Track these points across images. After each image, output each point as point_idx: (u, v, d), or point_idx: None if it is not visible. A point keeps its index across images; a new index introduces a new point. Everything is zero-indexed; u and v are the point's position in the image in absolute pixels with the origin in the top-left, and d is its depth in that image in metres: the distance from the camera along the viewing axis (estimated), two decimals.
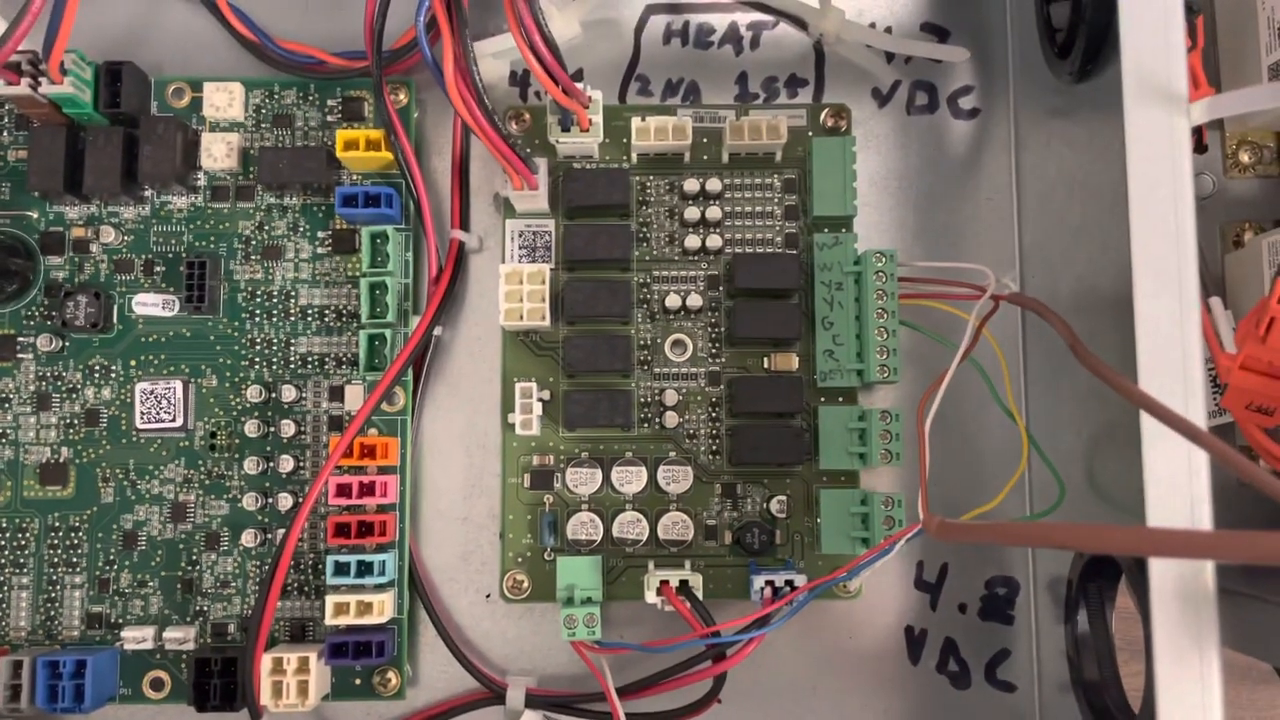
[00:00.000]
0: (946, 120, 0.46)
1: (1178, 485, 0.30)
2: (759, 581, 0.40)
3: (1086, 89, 0.39)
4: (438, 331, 0.44)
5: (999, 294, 0.39)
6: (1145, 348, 0.31)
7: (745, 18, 0.46)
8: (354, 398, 0.43)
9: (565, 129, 0.41)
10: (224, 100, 0.43)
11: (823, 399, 0.43)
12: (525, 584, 0.42)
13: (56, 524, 0.42)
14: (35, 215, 0.43)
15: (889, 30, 0.46)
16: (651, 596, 0.40)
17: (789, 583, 0.39)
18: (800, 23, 0.46)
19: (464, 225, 0.44)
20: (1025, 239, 0.45)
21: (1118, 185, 0.32)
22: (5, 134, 0.43)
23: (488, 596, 0.44)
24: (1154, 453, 0.30)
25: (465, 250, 0.44)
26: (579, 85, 0.40)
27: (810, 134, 0.44)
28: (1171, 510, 0.30)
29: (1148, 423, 0.30)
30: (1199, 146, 0.42)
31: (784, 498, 0.42)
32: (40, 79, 0.39)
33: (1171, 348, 0.31)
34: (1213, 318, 0.38)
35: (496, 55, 0.44)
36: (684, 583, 0.40)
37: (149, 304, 0.42)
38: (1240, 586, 0.37)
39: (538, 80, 0.38)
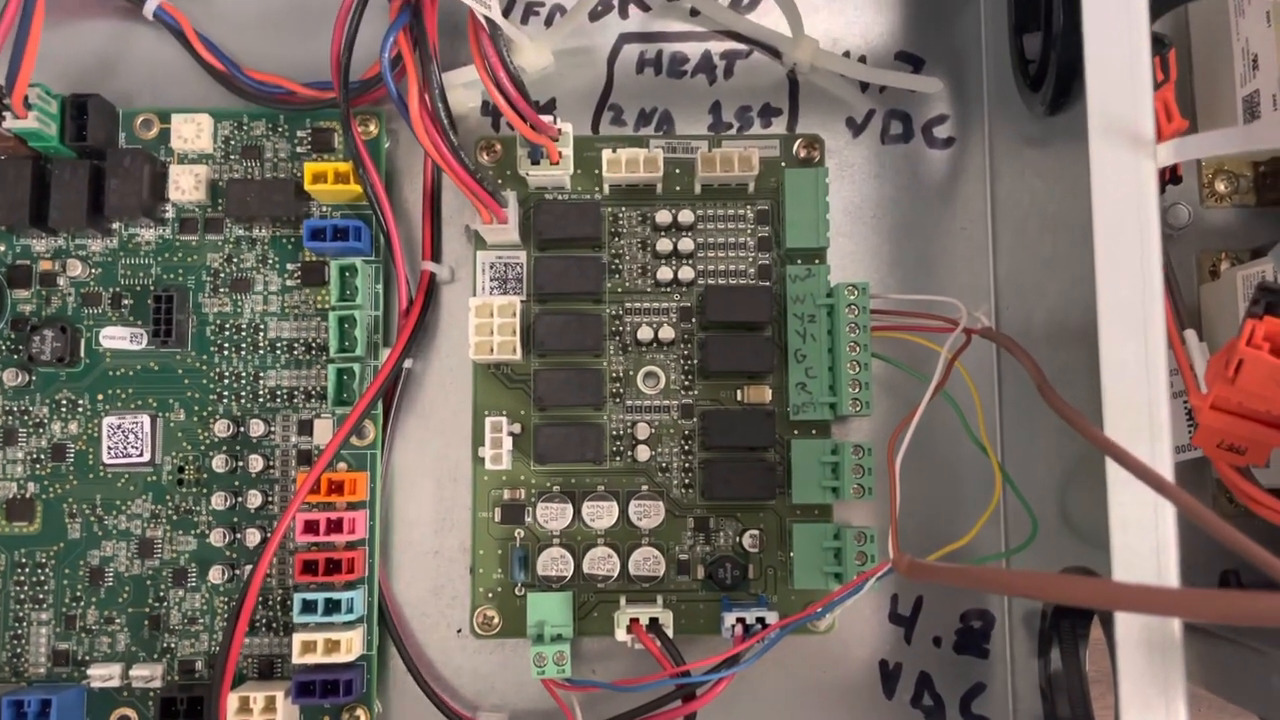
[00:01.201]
0: (921, 149, 0.46)
1: (1144, 529, 0.30)
2: (730, 619, 0.39)
3: (1059, 120, 0.39)
4: (408, 364, 0.44)
5: (971, 328, 0.39)
6: (1111, 392, 0.30)
7: (719, 46, 0.46)
8: (323, 432, 0.42)
9: (535, 162, 0.41)
10: (192, 132, 0.43)
11: (795, 432, 0.42)
12: (496, 620, 0.42)
13: (23, 560, 0.42)
14: (2, 249, 0.43)
15: (863, 59, 0.46)
16: (622, 634, 0.39)
17: (760, 620, 0.39)
18: (774, 52, 0.46)
19: (435, 256, 0.44)
20: (1000, 270, 0.45)
21: (1088, 219, 0.32)
22: None
23: (458, 631, 0.44)
24: (1119, 497, 0.30)
25: (436, 281, 0.44)
26: (549, 117, 0.40)
27: (783, 165, 0.44)
28: (1137, 556, 0.30)
29: (1113, 468, 0.30)
30: (1174, 177, 0.42)
31: (757, 532, 0.42)
32: (4, 114, 0.39)
33: (1137, 392, 0.30)
34: (1187, 351, 0.38)
35: (467, 86, 0.44)
36: (654, 620, 0.39)
37: (117, 337, 0.42)
38: (1213, 628, 0.37)
39: (504, 116, 0.38)
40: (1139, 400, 0.31)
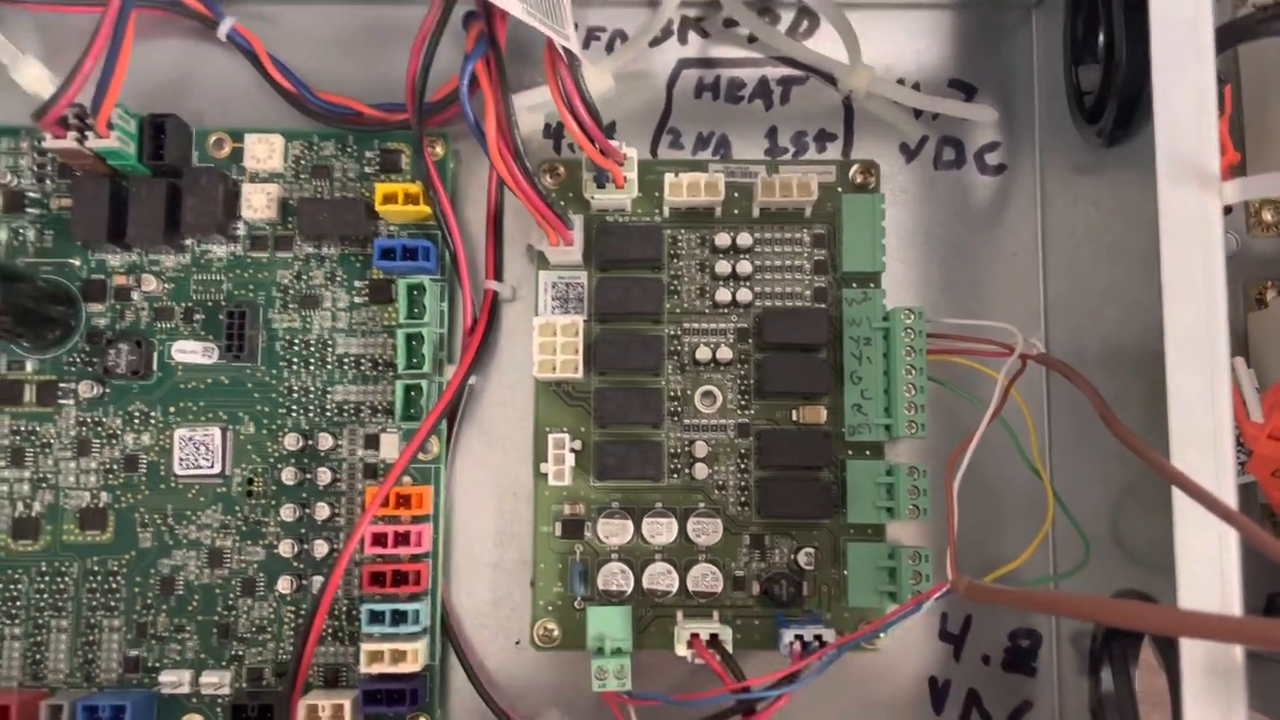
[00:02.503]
0: (973, 175, 0.47)
1: (1209, 558, 0.31)
2: (788, 635, 0.40)
3: (1115, 152, 0.40)
4: (471, 380, 0.44)
5: (1027, 353, 0.40)
6: (1178, 423, 0.31)
7: (776, 73, 0.47)
8: (389, 446, 0.43)
9: (601, 185, 0.42)
10: (264, 152, 0.44)
11: (850, 452, 0.43)
12: (555, 632, 0.43)
13: (95, 568, 0.43)
14: (78, 263, 0.44)
15: (917, 86, 0.47)
16: (682, 649, 0.40)
17: (818, 637, 0.40)
18: (830, 79, 0.47)
19: (498, 275, 0.45)
20: (1050, 295, 0.46)
21: (1148, 250, 0.33)
22: (48, 182, 0.44)
23: (517, 643, 0.45)
24: (1185, 526, 0.31)
25: (499, 300, 0.45)
26: (613, 142, 0.41)
27: (839, 190, 0.45)
28: (1203, 584, 0.31)
29: (1179, 497, 0.31)
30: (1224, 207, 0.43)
31: (812, 550, 0.43)
32: (87, 133, 0.40)
33: (1203, 423, 0.31)
34: (1236, 378, 0.39)
35: (532, 108, 0.45)
36: (714, 636, 0.40)
37: (188, 351, 0.43)
38: (1273, 654, 0.37)
39: (576, 143, 0.39)
40: (1204, 431, 0.31)
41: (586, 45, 0.47)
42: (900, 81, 0.47)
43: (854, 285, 0.44)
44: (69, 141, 0.40)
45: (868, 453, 0.43)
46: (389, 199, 0.42)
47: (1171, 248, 0.32)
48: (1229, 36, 0.36)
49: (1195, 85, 0.32)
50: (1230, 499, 0.31)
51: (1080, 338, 0.43)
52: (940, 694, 0.45)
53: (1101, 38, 0.40)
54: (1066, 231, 0.44)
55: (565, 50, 0.36)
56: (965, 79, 0.47)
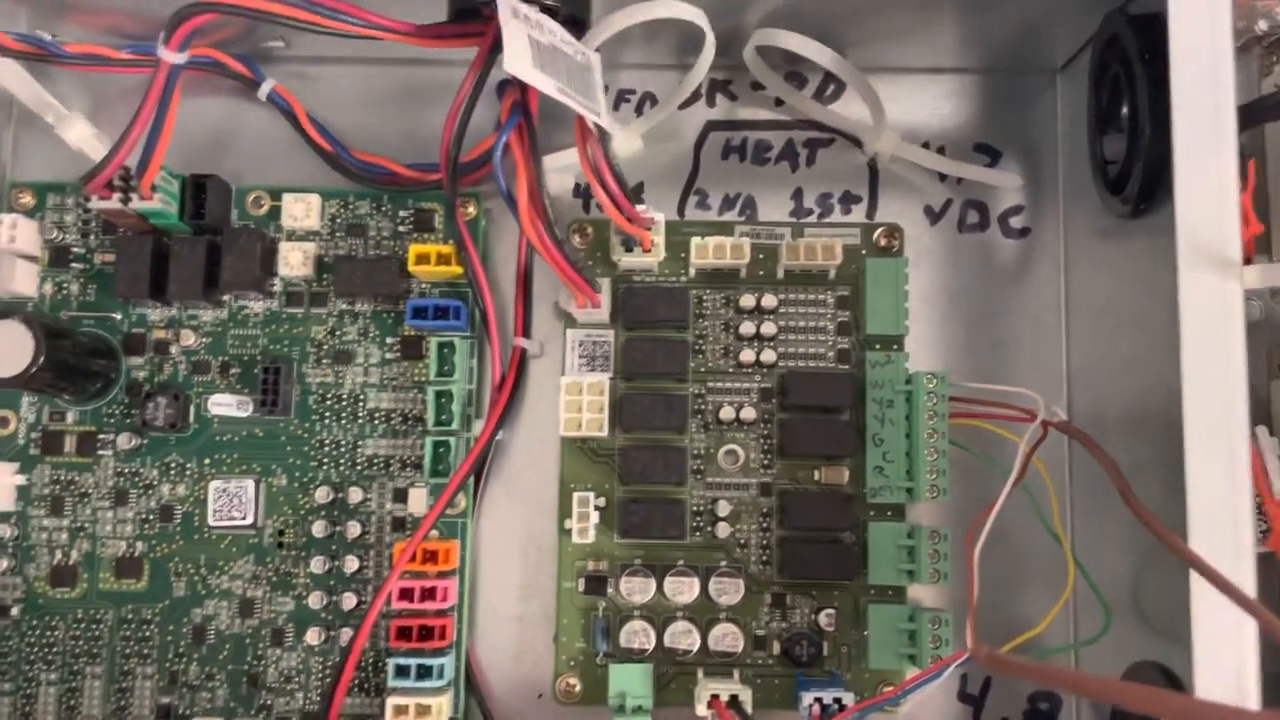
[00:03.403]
0: (997, 238, 0.47)
1: (1227, 640, 0.31)
2: (808, 698, 0.40)
3: (1139, 222, 0.40)
4: (499, 435, 0.45)
5: (1049, 420, 0.40)
6: (1196, 505, 0.32)
7: (802, 135, 0.48)
8: (417, 501, 0.44)
9: (629, 250, 0.43)
10: (301, 210, 0.45)
11: (871, 513, 0.44)
12: (577, 688, 0.43)
13: (130, 616, 0.44)
14: (119, 317, 0.45)
15: (941, 150, 0.48)
16: (702, 709, 0.41)
17: (837, 700, 0.40)
18: (856, 141, 0.48)
19: (526, 332, 0.46)
20: (1073, 359, 0.46)
21: (1169, 321, 0.33)
22: (92, 238, 0.45)
23: (539, 696, 0.45)
24: (1203, 607, 0.31)
25: (527, 356, 0.46)
26: (641, 205, 0.42)
27: (864, 252, 0.45)
28: (1220, 666, 0.31)
29: (1197, 579, 0.31)
30: None
31: (832, 610, 0.43)
32: (131, 194, 0.41)
33: (1222, 505, 0.32)
34: (1259, 447, 0.39)
35: (562, 170, 0.46)
36: (734, 697, 0.41)
37: (224, 404, 0.44)
38: None
39: (606, 212, 0.39)
40: (1223, 512, 0.32)
41: (616, 107, 0.48)
42: (925, 145, 0.48)
43: (877, 348, 0.44)
44: (114, 203, 0.42)
45: (889, 514, 0.44)
46: (422, 259, 0.43)
47: (1191, 330, 0.32)
48: (1252, 116, 0.36)
49: (1216, 169, 0.33)
50: (1249, 575, 0.32)
51: (1102, 403, 0.43)
52: None
53: (1125, 109, 0.41)
54: (1090, 297, 0.45)
55: (595, 125, 0.37)
56: (990, 142, 0.48)
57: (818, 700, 0.40)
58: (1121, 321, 0.42)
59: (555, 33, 0.37)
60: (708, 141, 0.48)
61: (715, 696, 0.41)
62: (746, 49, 0.45)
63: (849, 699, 0.40)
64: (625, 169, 0.47)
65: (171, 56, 0.38)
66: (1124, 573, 0.41)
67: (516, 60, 0.34)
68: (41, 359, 0.39)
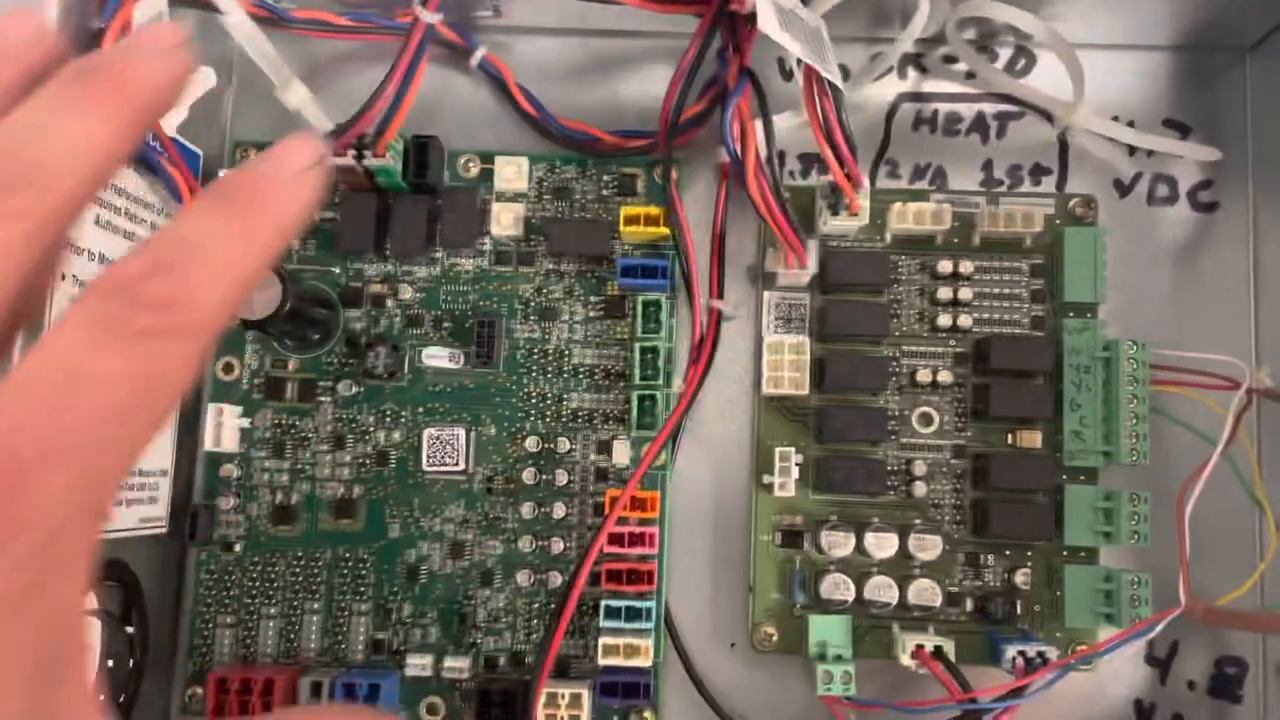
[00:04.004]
0: (1185, 212, 0.48)
1: None
2: (1011, 651, 0.42)
3: None
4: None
5: (1256, 388, 0.41)
6: None
7: (993, 108, 0.49)
8: (620, 452, 0.46)
9: (835, 213, 0.44)
10: (513, 173, 0.47)
11: (1065, 476, 0.45)
12: (775, 636, 0.45)
13: (346, 555, 0.46)
14: (337, 271, 0.47)
15: (1131, 124, 0.48)
16: (906, 659, 0.42)
17: (1040, 654, 0.41)
18: (1046, 115, 0.48)
19: (720, 294, 0.47)
20: (1262, 331, 0.47)
21: None
22: None
23: (732, 645, 0.47)
24: None
25: (722, 317, 0.47)
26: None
27: (1058, 222, 0.46)
28: None
29: None
30: None
31: (1027, 569, 0.44)
32: (365, 151, 0.44)
33: None
34: None
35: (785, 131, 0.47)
36: (939, 648, 0.42)
37: (438, 356, 0.46)
38: None
39: (830, 169, 0.41)
40: None
41: None
42: (1115, 119, 0.48)
43: (1072, 315, 0.45)
44: (347, 159, 0.44)
45: (1081, 478, 0.45)
46: (631, 220, 0.45)
47: None
48: None
49: None
50: None
51: None
52: (1145, 717, 0.45)
53: None
54: None
55: (830, 85, 0.39)
56: (1178, 118, 0.49)
57: (1021, 654, 0.41)
58: None
59: None
60: (899, 113, 0.49)
61: (920, 646, 0.42)
62: (950, 21, 0.46)
63: (1052, 653, 0.41)
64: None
65: (429, 16, 0.40)
66: None
67: (769, 22, 0.36)
68: (288, 305, 0.42)
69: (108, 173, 0.24)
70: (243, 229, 0.23)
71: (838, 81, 0.39)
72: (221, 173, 0.46)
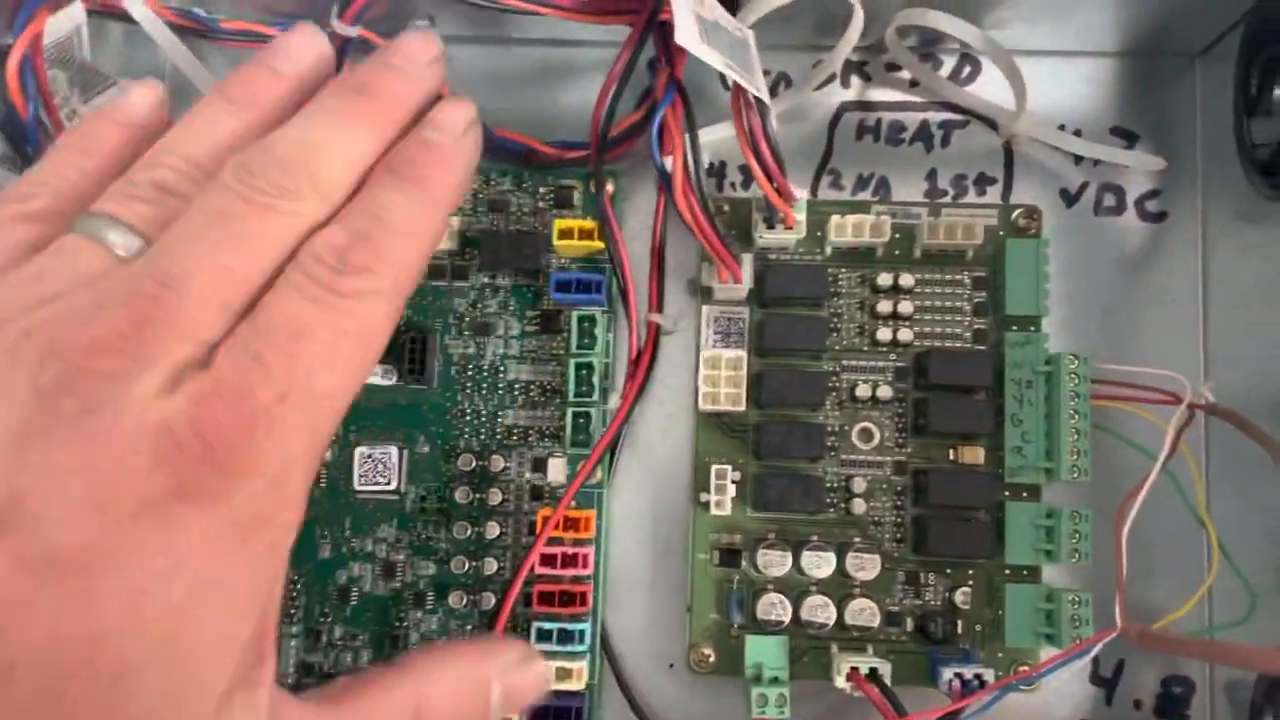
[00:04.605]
0: (1133, 222, 0.47)
1: None
2: (948, 673, 0.41)
3: None
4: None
5: (1196, 403, 0.40)
6: None
7: (937, 116, 0.48)
8: (556, 470, 0.45)
9: (771, 226, 0.43)
10: None
11: (1007, 494, 0.44)
12: (711, 657, 0.44)
13: None
14: None
15: (1078, 133, 0.48)
16: (841, 682, 0.41)
17: (978, 676, 0.41)
18: (991, 123, 0.48)
19: (659, 308, 0.47)
20: (1211, 343, 0.46)
21: None
22: None
23: (670, 666, 0.46)
24: None
25: (660, 332, 0.47)
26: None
27: (1001, 233, 0.45)
28: None
29: None
30: None
31: (967, 589, 0.44)
32: None
33: None
34: None
35: (710, 145, 0.46)
36: (874, 670, 0.41)
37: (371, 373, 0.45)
38: None
39: (758, 184, 0.40)
40: None
41: None
42: (1061, 128, 0.48)
43: (1014, 329, 0.44)
44: None
45: (1024, 495, 0.44)
46: (565, 234, 0.44)
47: None
48: None
49: None
50: None
51: (1246, 388, 0.43)
52: None
53: (1278, 92, 0.41)
54: (1232, 280, 0.45)
55: (756, 99, 0.38)
56: (1126, 126, 0.48)
57: (958, 675, 0.41)
58: (1271, 305, 0.41)
59: (715, 9, 0.38)
60: (841, 122, 0.49)
61: (854, 669, 0.41)
62: (889, 29, 0.45)
63: (989, 675, 0.41)
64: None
65: (345, 30, 0.39)
66: (1266, 560, 0.41)
67: (687, 34, 0.35)
68: None
69: (362, 181, 0.27)
70: (424, 195, 0.27)
71: (764, 95, 0.38)
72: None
